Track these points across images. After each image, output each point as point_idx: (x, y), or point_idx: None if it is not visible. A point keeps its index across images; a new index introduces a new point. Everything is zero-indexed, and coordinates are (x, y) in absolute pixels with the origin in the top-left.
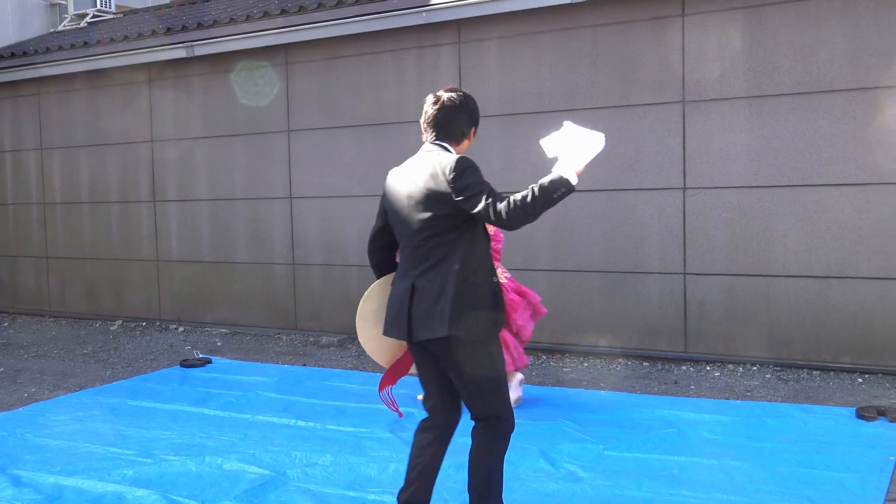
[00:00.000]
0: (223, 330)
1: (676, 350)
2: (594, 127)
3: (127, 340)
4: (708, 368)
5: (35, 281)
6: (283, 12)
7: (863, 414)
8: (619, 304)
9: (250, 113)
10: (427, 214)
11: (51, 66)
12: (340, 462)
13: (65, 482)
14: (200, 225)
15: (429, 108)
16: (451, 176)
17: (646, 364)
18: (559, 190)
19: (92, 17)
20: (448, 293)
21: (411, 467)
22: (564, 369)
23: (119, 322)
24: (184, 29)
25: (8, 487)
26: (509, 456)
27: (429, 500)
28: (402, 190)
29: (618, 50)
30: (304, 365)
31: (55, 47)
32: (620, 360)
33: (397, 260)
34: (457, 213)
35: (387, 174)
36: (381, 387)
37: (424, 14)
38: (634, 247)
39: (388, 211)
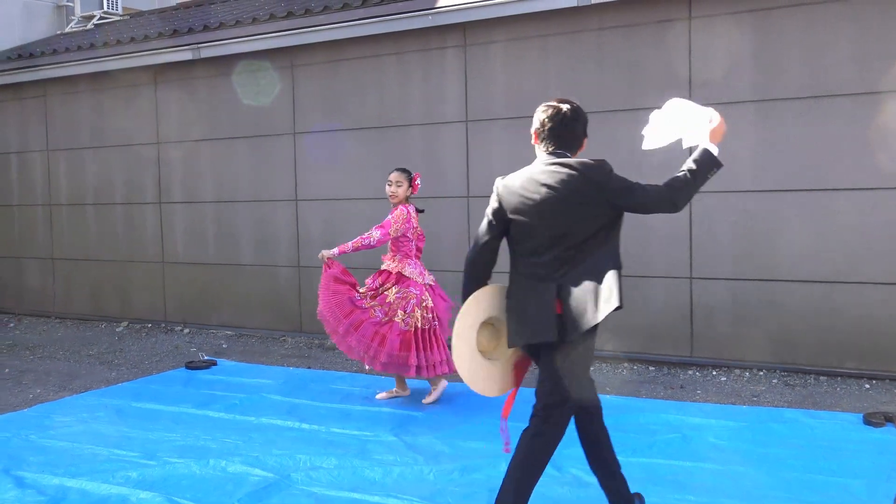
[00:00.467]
0: (228, 332)
1: (682, 354)
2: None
3: (132, 342)
4: (714, 373)
5: (40, 282)
6: (289, 15)
7: (870, 420)
8: (624, 308)
9: (256, 115)
10: (573, 218)
11: (57, 67)
12: (344, 465)
13: (69, 484)
14: (206, 227)
15: (546, 120)
16: (604, 178)
17: (651, 368)
18: (712, 169)
19: (98, 19)
20: (600, 289)
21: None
22: None
23: (124, 323)
24: (190, 31)
25: (11, 489)
26: None
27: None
28: (535, 197)
29: (624, 53)
30: (309, 367)
31: (62, 49)
32: (626, 365)
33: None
34: (602, 213)
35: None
36: (506, 412)
37: (430, 17)
38: (640, 250)
39: (513, 221)
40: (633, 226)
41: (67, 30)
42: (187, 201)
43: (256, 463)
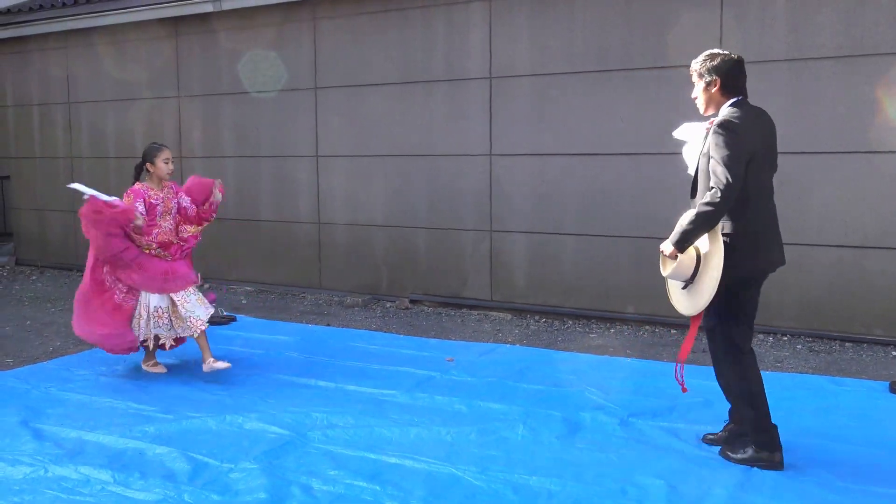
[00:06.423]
0: (248, 288)
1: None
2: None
3: None
4: None
5: (62, 235)
6: None
7: None
8: (647, 271)
9: (276, 69)
10: None
11: (78, 19)
12: (361, 424)
13: (86, 437)
14: (226, 182)
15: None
16: None
17: (673, 332)
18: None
19: None
20: None
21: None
22: (591, 335)
23: None
24: None
25: (30, 441)
26: (532, 423)
27: None
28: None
29: (653, 10)
30: (328, 325)
31: (83, 0)
32: (647, 328)
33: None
34: None
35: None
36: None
37: None
38: (664, 212)
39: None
40: (657, 187)
41: None
42: (208, 156)
43: (273, 420)
